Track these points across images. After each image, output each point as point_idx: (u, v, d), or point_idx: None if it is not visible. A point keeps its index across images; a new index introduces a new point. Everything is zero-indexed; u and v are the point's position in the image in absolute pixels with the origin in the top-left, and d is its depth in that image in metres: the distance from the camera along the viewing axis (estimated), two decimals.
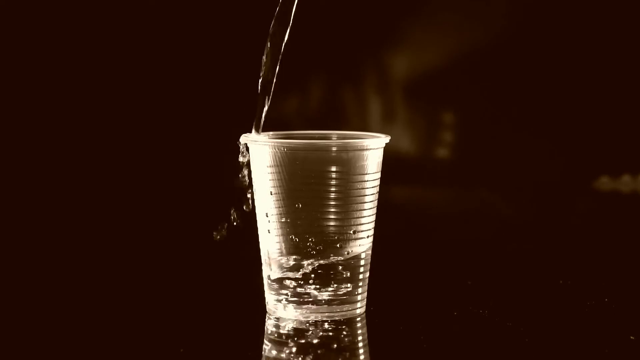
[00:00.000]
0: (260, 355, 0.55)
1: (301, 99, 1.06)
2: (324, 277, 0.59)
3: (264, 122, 0.62)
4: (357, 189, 0.59)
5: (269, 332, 0.59)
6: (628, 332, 0.59)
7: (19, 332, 0.59)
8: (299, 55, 0.90)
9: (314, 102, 1.06)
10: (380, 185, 0.61)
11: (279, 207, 0.59)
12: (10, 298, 0.66)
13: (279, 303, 0.60)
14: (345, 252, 0.59)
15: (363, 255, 0.60)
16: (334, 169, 0.59)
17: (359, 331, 0.59)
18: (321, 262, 0.59)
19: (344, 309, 0.60)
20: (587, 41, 1.04)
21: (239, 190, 0.60)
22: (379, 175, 0.60)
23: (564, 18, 1.05)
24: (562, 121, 1.06)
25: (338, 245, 0.59)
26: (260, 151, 0.60)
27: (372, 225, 0.60)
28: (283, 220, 0.59)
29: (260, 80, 0.61)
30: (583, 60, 1.05)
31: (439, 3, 1.06)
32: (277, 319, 0.60)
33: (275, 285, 0.60)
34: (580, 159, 1.05)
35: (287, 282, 0.59)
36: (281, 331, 0.58)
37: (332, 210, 0.59)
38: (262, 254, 0.61)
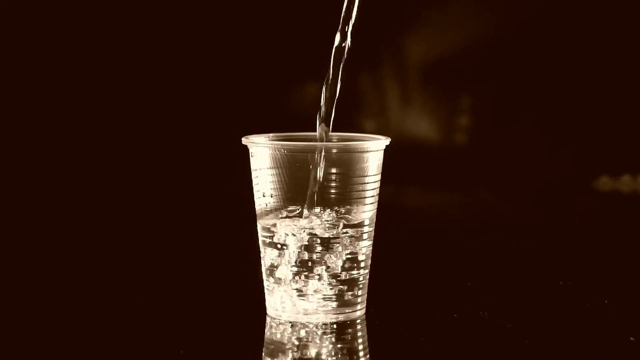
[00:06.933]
0: (260, 357, 0.55)
1: (318, 88, 1.06)
2: (323, 278, 0.59)
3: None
4: (357, 191, 0.59)
5: (269, 334, 0.59)
6: (628, 333, 0.59)
7: (19, 332, 0.59)
8: (313, 44, 0.89)
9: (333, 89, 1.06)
10: (381, 187, 0.61)
11: (279, 208, 0.59)
12: (10, 298, 0.66)
13: (280, 304, 0.60)
14: (346, 253, 0.59)
15: (363, 257, 0.60)
16: (334, 170, 0.59)
17: (359, 333, 0.59)
18: (321, 263, 0.59)
19: (344, 311, 0.60)
20: (588, 41, 1.05)
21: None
22: (379, 177, 0.60)
23: (563, 20, 1.05)
24: (563, 121, 1.06)
25: (338, 247, 0.59)
26: (261, 153, 0.60)
27: (373, 226, 0.60)
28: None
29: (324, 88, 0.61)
30: (583, 61, 1.05)
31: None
32: (277, 320, 0.60)
33: (276, 286, 0.60)
34: (580, 159, 1.06)
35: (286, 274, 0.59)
36: (281, 333, 0.58)
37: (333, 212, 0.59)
38: (261, 255, 0.61)
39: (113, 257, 0.78)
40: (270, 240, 0.59)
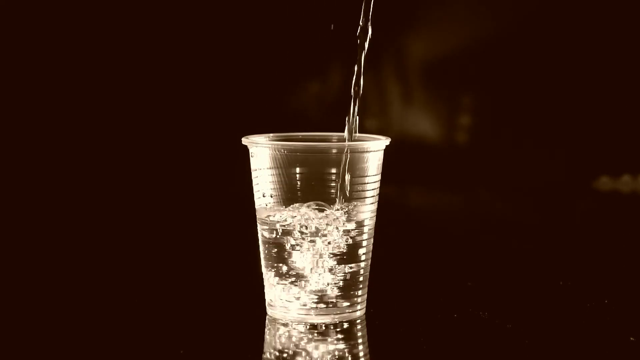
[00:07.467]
0: (260, 357, 0.55)
1: (321, 87, 1.07)
2: (324, 277, 0.59)
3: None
4: (357, 191, 0.59)
5: (269, 333, 0.59)
6: (628, 333, 0.59)
7: (19, 332, 0.59)
8: (313, 44, 0.89)
9: (333, 89, 1.06)
10: (382, 186, 0.61)
11: (279, 209, 0.59)
12: (10, 298, 0.66)
13: (280, 305, 0.60)
14: (345, 254, 0.59)
15: (363, 257, 0.60)
16: (334, 170, 0.59)
17: (359, 333, 0.59)
18: (322, 264, 0.59)
19: (344, 311, 0.60)
20: (588, 41, 1.05)
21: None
22: (379, 177, 0.60)
23: (563, 20, 1.05)
24: (562, 121, 1.06)
25: (338, 247, 0.59)
26: (261, 153, 0.60)
27: (373, 226, 0.60)
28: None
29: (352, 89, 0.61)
30: (584, 61, 1.05)
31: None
32: (277, 320, 0.60)
33: (277, 287, 0.60)
34: (580, 159, 1.06)
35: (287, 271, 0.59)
36: (281, 333, 0.58)
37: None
38: (261, 255, 0.61)
39: (113, 257, 0.78)
40: (287, 234, 0.59)
